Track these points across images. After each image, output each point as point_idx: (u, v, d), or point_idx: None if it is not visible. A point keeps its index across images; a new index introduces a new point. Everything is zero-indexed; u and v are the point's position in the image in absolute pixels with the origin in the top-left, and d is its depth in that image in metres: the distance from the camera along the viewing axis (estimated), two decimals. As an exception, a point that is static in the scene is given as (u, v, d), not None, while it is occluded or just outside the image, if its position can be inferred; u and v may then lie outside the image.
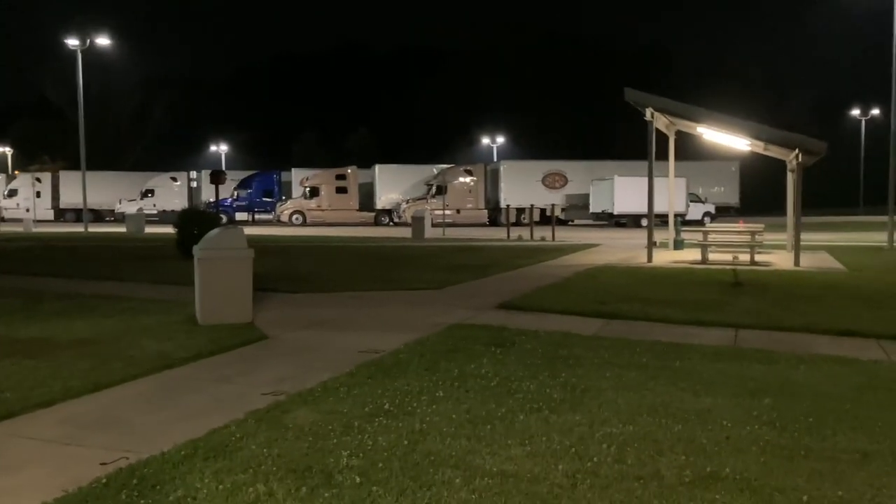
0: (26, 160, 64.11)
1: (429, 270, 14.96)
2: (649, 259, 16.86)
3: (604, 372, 6.17)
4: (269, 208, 47.57)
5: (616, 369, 6.26)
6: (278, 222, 44.71)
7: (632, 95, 17.29)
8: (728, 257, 16.53)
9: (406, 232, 30.41)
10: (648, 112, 17.09)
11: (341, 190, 45.62)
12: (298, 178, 47.61)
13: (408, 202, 43.26)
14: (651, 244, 17.38)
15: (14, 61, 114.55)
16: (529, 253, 19.72)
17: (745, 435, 4.54)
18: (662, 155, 19.41)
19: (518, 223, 37.61)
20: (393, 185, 45.88)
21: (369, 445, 4.32)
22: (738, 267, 14.51)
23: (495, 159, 59.29)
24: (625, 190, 38.65)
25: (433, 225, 30.52)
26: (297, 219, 44.76)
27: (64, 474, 3.97)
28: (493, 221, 44.25)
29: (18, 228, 35.37)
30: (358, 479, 3.80)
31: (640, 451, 4.23)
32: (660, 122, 18.40)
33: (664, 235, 20.99)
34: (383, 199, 45.70)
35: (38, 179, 50.98)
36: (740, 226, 19.22)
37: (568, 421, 4.80)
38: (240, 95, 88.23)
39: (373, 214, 45.66)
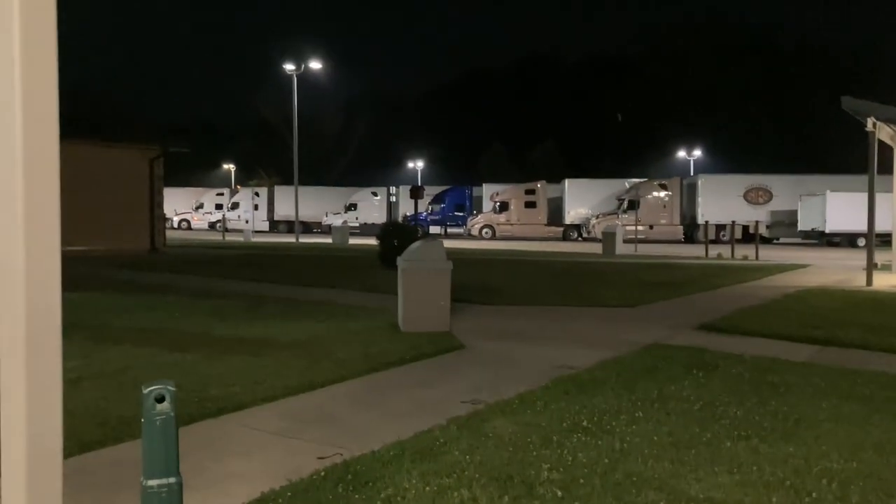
0: (246, 176, 70.59)
1: (621, 287, 14.66)
2: (869, 282, 15.39)
3: (819, 402, 5.73)
4: (461, 222, 48.90)
5: (833, 400, 5.80)
6: (469, 236, 45.80)
7: (850, 104, 15.96)
8: (965, 282, 14.72)
9: (596, 247, 29.97)
10: (870, 122, 15.68)
11: (530, 205, 45.89)
12: (489, 192, 48.52)
13: (598, 217, 42.63)
14: (871, 266, 15.86)
15: (239, 87, 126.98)
16: (730, 272, 18.72)
17: None
18: (884, 169, 17.68)
19: (717, 240, 35.81)
20: (582, 199, 45.44)
21: (569, 461, 4.32)
22: (979, 294, 12.89)
23: (692, 173, 56.92)
24: (838, 206, 35.59)
25: (624, 241, 29.82)
26: (486, 232, 45.61)
27: (286, 464, 4.34)
28: (690, 238, 42.42)
29: (239, 238, 39.02)
30: (559, 493, 3.82)
31: (867, 491, 3.89)
32: (883, 132, 16.79)
33: (886, 257, 19.06)
34: (572, 214, 45.38)
35: (257, 194, 55.92)
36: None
37: (780, 452, 4.52)
38: (434, 112, 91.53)
39: (561, 229, 45.48)
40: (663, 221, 43.14)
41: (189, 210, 58.07)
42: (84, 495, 3.89)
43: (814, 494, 3.84)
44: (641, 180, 45.40)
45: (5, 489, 2.14)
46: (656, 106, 77.24)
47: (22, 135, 2.03)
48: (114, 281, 15.13)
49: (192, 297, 12.36)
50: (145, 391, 2.33)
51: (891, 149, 18.61)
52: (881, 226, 17.39)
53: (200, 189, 62.20)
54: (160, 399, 2.32)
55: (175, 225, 55.23)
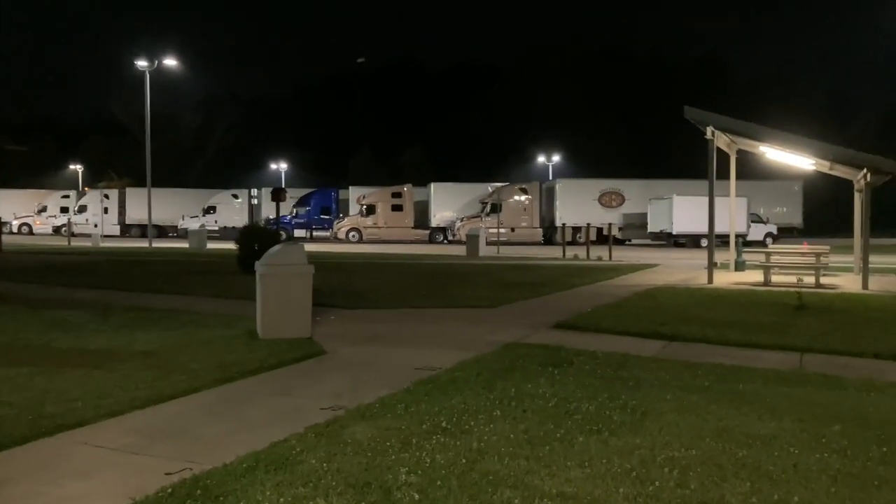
0: (95, 177, 66.45)
1: (483, 288, 14.95)
2: (710, 280, 16.52)
3: (664, 394, 6.06)
4: (327, 225, 48.21)
5: (677, 392, 6.14)
6: (335, 239, 45.26)
7: (692, 114, 17.05)
8: (792, 279, 16.08)
9: (460, 250, 30.45)
10: (709, 131, 16.83)
11: (397, 208, 45.97)
12: (355, 195, 48.17)
13: (462, 220, 43.32)
14: (711, 265, 17.03)
15: (85, 82, 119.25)
16: (585, 272, 19.54)
17: (813, 462, 4.39)
18: (723, 174, 19.06)
19: (574, 242, 37.27)
20: (448, 203, 46.04)
21: (427, 463, 4.32)
22: (803, 289, 14.10)
23: (550, 177, 59.00)
24: (684, 209, 37.99)
25: (487, 243, 30.47)
26: (353, 236, 45.26)
27: (130, 482, 4.08)
28: (549, 240, 43.94)
29: (87, 243, 36.61)
30: (416, 497, 3.81)
31: (703, 477, 4.13)
32: (720, 140, 18.09)
33: (725, 256, 20.54)
34: (438, 217, 45.88)
35: (106, 196, 52.73)
36: (804, 247, 18.71)
37: (628, 444, 4.73)
38: (298, 114, 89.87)
39: (427, 232, 45.88)
40: (524, 224, 44.43)
41: (31, 213, 53.90)
42: None
43: (657, 483, 4.03)
44: (503, 184, 46.53)
45: None
46: (518, 113, 79.67)
47: None
48: (-61, 291, 13.77)
49: (31, 307, 11.45)
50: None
51: (728, 155, 20.10)
52: (721, 227, 18.72)
53: (44, 191, 57.83)
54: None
55: (14, 230, 51.17)
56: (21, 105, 79.03)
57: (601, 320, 10.33)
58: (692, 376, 6.78)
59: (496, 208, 40.95)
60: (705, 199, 17.32)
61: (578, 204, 43.29)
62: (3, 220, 26.44)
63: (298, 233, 46.83)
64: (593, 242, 30.50)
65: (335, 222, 47.38)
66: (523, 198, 44.84)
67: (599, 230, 38.93)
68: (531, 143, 69.33)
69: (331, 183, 54.34)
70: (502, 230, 37.22)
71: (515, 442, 4.74)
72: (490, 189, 45.65)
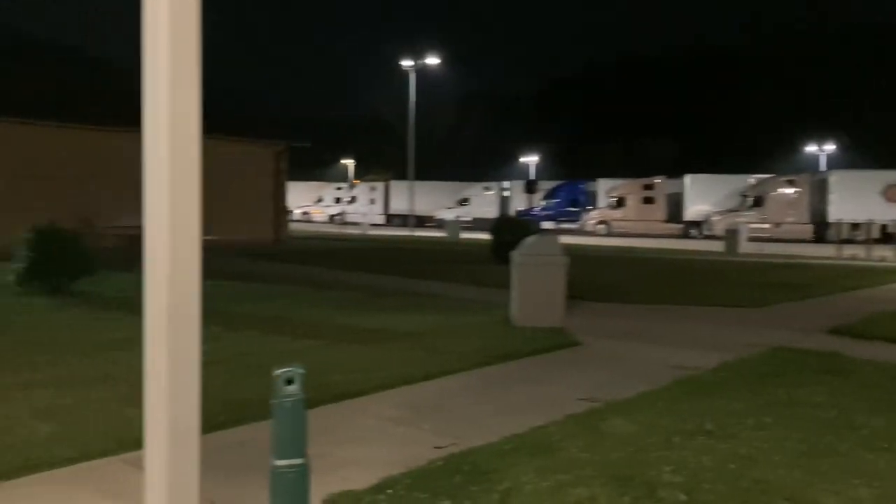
0: (363, 171, 72.36)
1: (743, 287, 14.02)
2: None
3: (972, 415, 5.27)
4: (575, 217, 48.16)
5: None
6: (583, 231, 45.09)
7: None
8: None
9: (717, 245, 28.80)
10: None
11: (648, 200, 44.63)
12: (604, 188, 47.57)
13: (719, 214, 40.98)
14: None
15: (356, 83, 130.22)
16: (865, 274, 17.54)
17: None
18: None
19: (850, 240, 33.64)
20: (703, 195, 43.73)
21: (692, 464, 4.16)
22: None
23: (822, 168, 53.76)
24: None
25: (748, 239, 28.54)
26: (601, 228, 44.74)
27: (403, 452, 4.40)
28: (820, 237, 40.05)
29: (356, 231, 40.04)
30: (682, 497, 3.69)
31: None
32: None
33: None
34: (692, 211, 43.76)
35: (373, 188, 57.27)
36: None
37: (928, 467, 4.18)
38: (547, 107, 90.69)
39: (680, 226, 43.98)
40: (790, 219, 40.88)
41: (310, 203, 60.13)
42: (215, 473, 4.07)
43: (968, 515, 3.53)
44: (767, 176, 43.23)
45: (148, 463, 2.26)
46: (783, 100, 73.63)
47: (168, 134, 2.17)
48: (238, 270, 15.82)
49: (312, 287, 12.77)
50: (276, 374, 2.40)
51: None
52: None
53: (320, 183, 64.22)
54: (290, 382, 2.39)
55: (296, 218, 57.32)
56: (301, 104, 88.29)
57: (887, 328, 9.21)
58: None
59: (758, 202, 38.27)
60: None
61: (857, 198, 38.87)
62: (288, 209, 29.74)
63: (546, 224, 47.29)
64: (875, 241, 27.31)
65: (583, 214, 47.16)
66: (790, 190, 41.28)
67: (883, 227, 34.76)
68: (798, 132, 63.66)
69: (579, 175, 54.13)
70: (765, 225, 34.69)
71: (790, 452, 4.40)
72: (751, 181, 42.67)
